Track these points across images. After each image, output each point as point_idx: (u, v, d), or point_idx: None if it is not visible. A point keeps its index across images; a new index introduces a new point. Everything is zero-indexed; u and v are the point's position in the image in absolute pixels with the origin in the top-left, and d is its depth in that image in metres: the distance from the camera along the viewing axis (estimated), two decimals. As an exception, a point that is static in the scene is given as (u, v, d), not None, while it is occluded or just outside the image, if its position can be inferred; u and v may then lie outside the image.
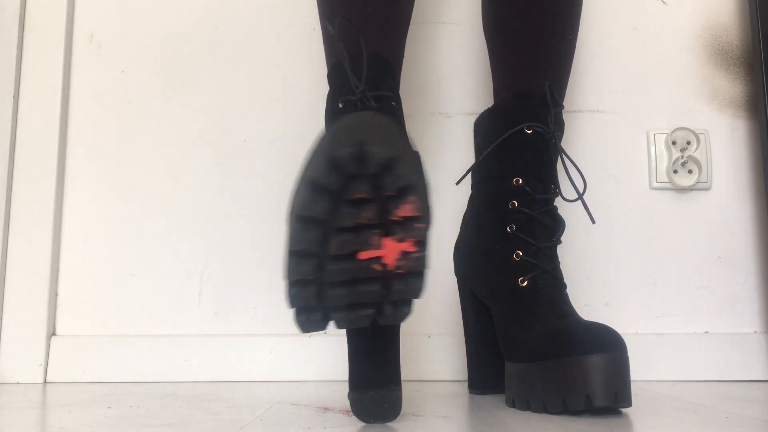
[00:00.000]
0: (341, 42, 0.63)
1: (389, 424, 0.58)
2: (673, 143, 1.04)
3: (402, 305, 0.53)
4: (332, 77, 0.68)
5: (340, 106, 0.64)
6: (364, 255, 0.50)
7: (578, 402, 0.60)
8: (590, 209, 0.72)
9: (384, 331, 0.58)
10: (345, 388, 0.86)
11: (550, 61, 0.79)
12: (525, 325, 0.68)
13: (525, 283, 0.70)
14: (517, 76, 0.79)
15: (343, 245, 0.50)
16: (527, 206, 0.73)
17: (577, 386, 0.60)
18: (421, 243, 0.51)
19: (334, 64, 0.68)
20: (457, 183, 0.79)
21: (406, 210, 0.49)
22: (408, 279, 0.52)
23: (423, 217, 0.50)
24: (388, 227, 0.50)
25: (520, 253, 0.71)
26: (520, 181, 0.73)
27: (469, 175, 0.80)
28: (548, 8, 0.80)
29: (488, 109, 0.80)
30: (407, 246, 0.50)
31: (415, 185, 0.49)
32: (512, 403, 0.68)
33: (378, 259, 0.50)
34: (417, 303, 1.05)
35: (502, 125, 0.75)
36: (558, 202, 0.76)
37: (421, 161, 0.54)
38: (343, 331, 0.98)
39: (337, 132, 0.50)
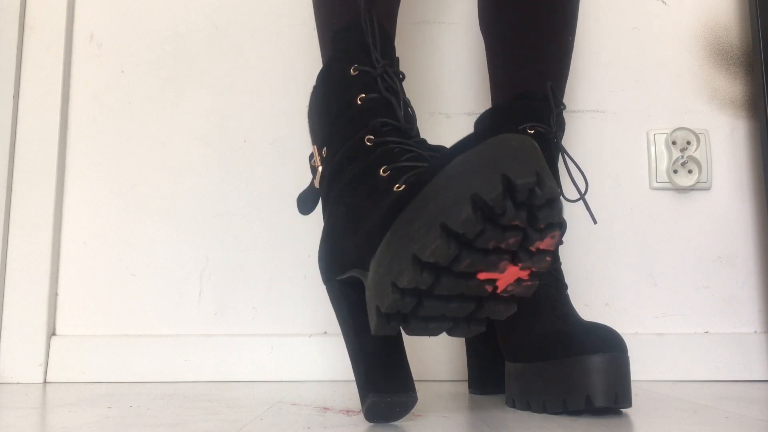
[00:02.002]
0: (367, 10, 0.62)
1: (389, 423, 0.58)
2: (673, 143, 1.04)
3: (479, 323, 0.52)
4: (339, 41, 0.65)
5: (354, 73, 0.62)
6: (483, 275, 0.48)
7: (578, 402, 0.60)
8: (591, 209, 0.72)
9: (400, 336, 0.58)
10: (345, 388, 0.86)
11: (550, 61, 0.79)
12: (525, 326, 0.68)
13: (525, 284, 0.70)
14: (518, 77, 0.79)
15: (473, 264, 0.47)
16: (528, 206, 0.73)
17: (577, 386, 0.60)
18: (537, 274, 0.49)
19: (343, 28, 0.65)
20: (458, 183, 0.79)
21: (546, 243, 0.48)
22: (507, 303, 0.50)
23: (555, 251, 0.49)
24: (518, 254, 0.48)
25: (521, 254, 0.71)
26: (521, 182, 0.73)
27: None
28: (547, 8, 0.80)
29: (489, 109, 0.80)
30: (524, 274, 0.49)
31: (563, 222, 0.48)
32: (512, 403, 0.68)
33: (494, 281, 0.49)
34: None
35: (504, 125, 0.75)
36: (558, 202, 0.76)
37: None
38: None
39: (513, 155, 0.46)
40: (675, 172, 1.04)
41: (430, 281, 0.48)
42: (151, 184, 1.04)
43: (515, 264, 0.48)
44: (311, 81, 1.07)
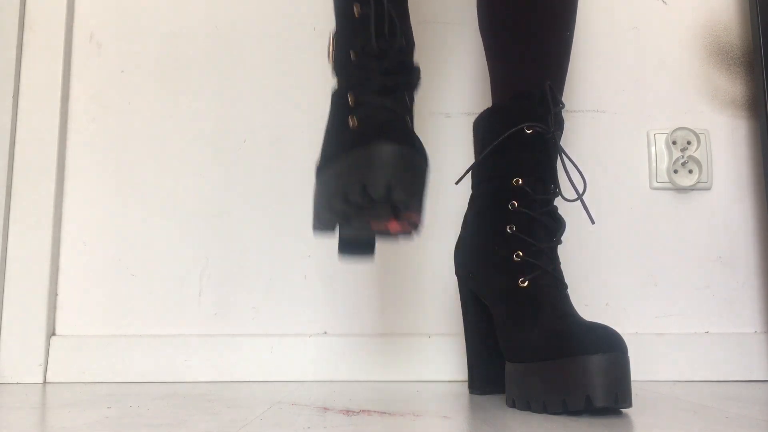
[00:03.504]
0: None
1: (389, 422, 0.58)
2: (674, 143, 1.04)
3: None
4: (352, 26, 0.67)
5: (352, 57, 0.66)
6: (375, 226, 0.65)
7: (578, 402, 0.60)
8: (590, 209, 0.72)
9: None
10: (345, 388, 0.86)
11: (548, 60, 0.79)
12: (525, 326, 0.68)
13: (525, 284, 0.70)
14: (516, 76, 0.79)
15: (365, 224, 0.65)
16: (527, 207, 0.73)
17: (577, 387, 0.60)
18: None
19: (361, 15, 0.67)
20: (457, 183, 0.79)
21: (411, 216, 0.62)
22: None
23: (420, 222, 0.64)
24: (395, 216, 0.63)
25: (521, 254, 0.71)
26: (520, 182, 0.73)
27: (469, 175, 0.80)
28: (545, 7, 0.80)
29: (488, 109, 0.80)
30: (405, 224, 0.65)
31: (417, 206, 0.61)
32: (512, 403, 0.68)
33: (386, 228, 0.65)
34: (416, 303, 1.05)
35: (502, 125, 0.75)
36: (558, 201, 0.76)
37: (426, 177, 0.62)
38: (344, 332, 0.98)
39: (372, 164, 0.58)
40: (675, 172, 1.04)
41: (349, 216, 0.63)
42: (151, 184, 1.04)
43: (396, 220, 0.63)
44: (311, 80, 1.07)
